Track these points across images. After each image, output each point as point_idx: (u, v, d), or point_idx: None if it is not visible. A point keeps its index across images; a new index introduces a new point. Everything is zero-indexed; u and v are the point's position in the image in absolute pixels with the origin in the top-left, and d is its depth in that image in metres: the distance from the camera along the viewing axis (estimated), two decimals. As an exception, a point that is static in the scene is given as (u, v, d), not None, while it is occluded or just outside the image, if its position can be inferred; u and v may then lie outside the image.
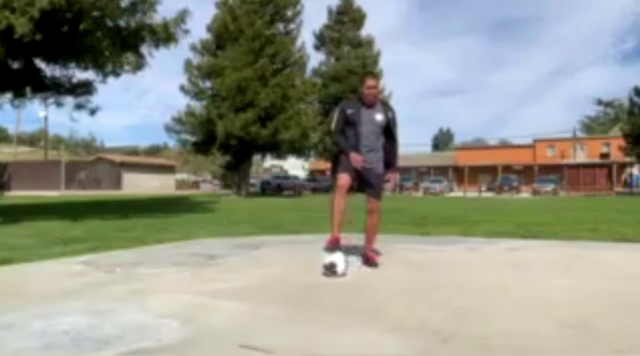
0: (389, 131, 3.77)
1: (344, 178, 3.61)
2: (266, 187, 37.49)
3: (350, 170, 3.64)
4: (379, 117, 3.71)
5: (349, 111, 3.71)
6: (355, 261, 3.73)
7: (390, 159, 3.82)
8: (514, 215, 10.22)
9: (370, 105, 3.72)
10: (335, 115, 3.84)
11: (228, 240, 5.55)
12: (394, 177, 3.84)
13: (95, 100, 12.19)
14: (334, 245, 3.56)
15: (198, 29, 32.82)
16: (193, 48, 27.42)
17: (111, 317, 2.36)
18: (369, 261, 3.70)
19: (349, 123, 3.71)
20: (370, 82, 3.71)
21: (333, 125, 3.81)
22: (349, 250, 3.88)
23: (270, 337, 2.08)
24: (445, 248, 4.82)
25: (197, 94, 28.08)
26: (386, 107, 3.82)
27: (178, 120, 27.75)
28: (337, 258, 3.36)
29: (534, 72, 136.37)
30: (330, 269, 3.32)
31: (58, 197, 24.61)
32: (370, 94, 3.70)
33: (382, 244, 4.62)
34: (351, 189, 3.72)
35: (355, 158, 3.60)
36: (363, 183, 3.74)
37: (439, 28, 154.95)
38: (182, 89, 28.04)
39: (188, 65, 27.80)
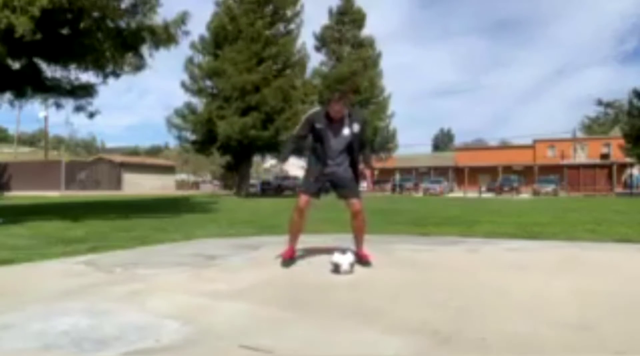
0: (358, 141, 3.81)
1: (303, 200, 3.76)
2: (266, 187, 37.50)
3: (312, 188, 3.77)
4: (346, 131, 3.76)
5: (318, 126, 3.74)
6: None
7: (362, 167, 3.92)
8: (514, 215, 10.22)
9: (337, 121, 3.75)
10: (300, 123, 3.90)
11: (228, 241, 5.55)
12: (369, 173, 3.91)
13: (95, 101, 12.21)
14: (289, 258, 3.78)
15: (199, 28, 32.75)
16: (192, 46, 27.46)
17: (111, 317, 2.36)
18: (362, 260, 3.75)
19: (317, 138, 3.78)
20: (335, 107, 3.65)
21: (295, 131, 3.92)
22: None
23: (270, 337, 2.08)
24: (444, 248, 4.81)
25: (198, 92, 28.10)
26: (353, 118, 3.80)
27: (180, 114, 27.74)
28: (346, 257, 3.43)
29: (534, 72, 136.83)
30: (339, 262, 3.40)
31: (58, 197, 24.61)
32: (336, 118, 3.72)
33: (381, 244, 4.63)
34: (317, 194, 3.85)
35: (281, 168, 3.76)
36: (338, 191, 3.84)
37: (439, 28, 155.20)
38: (183, 85, 28.07)
39: (188, 63, 27.81)
